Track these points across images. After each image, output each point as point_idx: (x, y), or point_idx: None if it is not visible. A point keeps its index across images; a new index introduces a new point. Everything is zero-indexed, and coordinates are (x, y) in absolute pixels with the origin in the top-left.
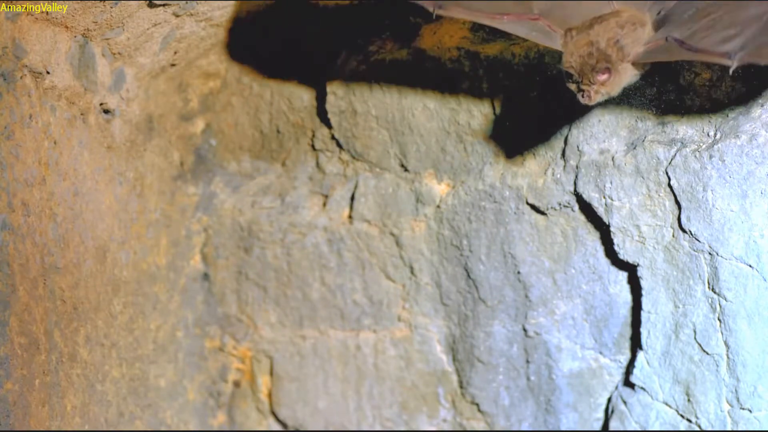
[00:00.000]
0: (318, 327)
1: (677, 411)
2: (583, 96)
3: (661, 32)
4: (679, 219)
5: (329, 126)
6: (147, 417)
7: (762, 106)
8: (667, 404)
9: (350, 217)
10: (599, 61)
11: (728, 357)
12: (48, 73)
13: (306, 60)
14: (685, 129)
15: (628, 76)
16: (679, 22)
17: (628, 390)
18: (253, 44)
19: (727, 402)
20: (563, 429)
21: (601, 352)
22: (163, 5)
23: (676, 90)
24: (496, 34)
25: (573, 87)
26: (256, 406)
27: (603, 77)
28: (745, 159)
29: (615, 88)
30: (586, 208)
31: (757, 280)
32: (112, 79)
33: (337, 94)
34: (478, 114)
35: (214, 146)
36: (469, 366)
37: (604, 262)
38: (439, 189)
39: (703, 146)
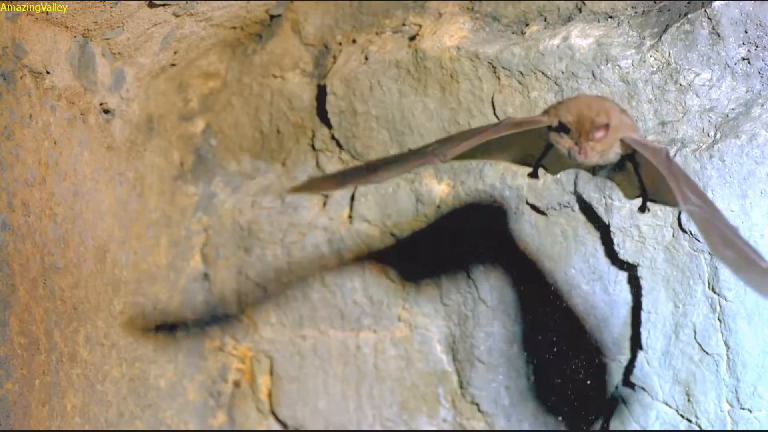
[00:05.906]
0: (318, 327)
1: (677, 411)
2: (579, 151)
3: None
4: (679, 219)
5: (329, 126)
6: (147, 417)
7: (762, 106)
8: (667, 404)
9: (350, 217)
10: (599, 115)
11: (728, 357)
12: (48, 73)
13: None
14: (685, 129)
15: (618, 146)
16: None
17: (628, 390)
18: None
19: (727, 402)
20: (563, 429)
21: (601, 352)
22: (163, 5)
23: (676, 90)
24: (496, 33)
25: (567, 143)
26: (256, 406)
27: (600, 134)
28: (745, 159)
29: (609, 151)
30: (586, 208)
31: None
32: (112, 79)
33: (337, 94)
34: (478, 114)
35: (214, 146)
36: (469, 366)
37: (604, 262)
38: (439, 189)
39: (703, 146)
